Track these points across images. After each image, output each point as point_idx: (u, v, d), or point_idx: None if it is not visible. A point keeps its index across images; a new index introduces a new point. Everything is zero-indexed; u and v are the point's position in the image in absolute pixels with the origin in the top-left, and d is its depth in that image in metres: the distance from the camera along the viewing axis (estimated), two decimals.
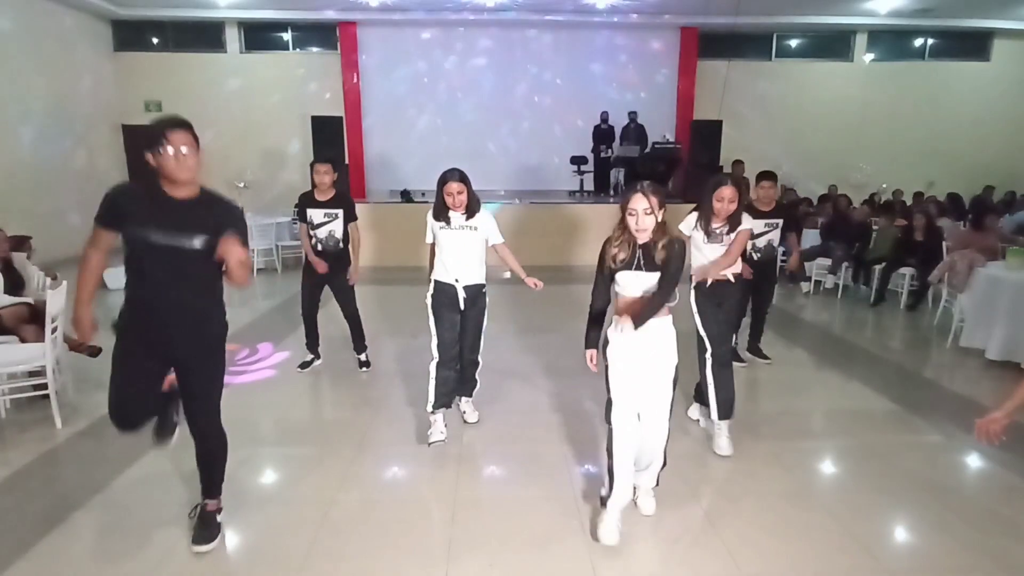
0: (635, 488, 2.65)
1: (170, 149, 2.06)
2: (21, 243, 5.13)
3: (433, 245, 3.38)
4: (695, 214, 3.36)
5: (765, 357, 4.70)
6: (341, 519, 2.64)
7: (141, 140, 2.16)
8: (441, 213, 3.25)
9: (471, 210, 3.25)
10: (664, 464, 2.65)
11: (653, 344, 2.46)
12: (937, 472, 3.08)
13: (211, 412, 2.38)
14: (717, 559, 2.37)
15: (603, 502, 2.51)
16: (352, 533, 2.56)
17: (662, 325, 2.48)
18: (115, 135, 10.87)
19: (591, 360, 2.53)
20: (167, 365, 2.33)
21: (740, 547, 2.43)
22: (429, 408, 3.27)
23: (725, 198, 3.20)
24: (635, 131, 10.53)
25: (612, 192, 10.34)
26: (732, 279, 3.32)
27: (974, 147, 11.82)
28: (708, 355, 3.27)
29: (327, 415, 3.81)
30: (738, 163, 9.87)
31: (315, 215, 4.15)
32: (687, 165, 9.85)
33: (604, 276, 2.51)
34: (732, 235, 3.30)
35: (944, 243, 6.18)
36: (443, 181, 3.20)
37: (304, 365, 4.47)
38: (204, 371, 2.33)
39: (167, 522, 2.58)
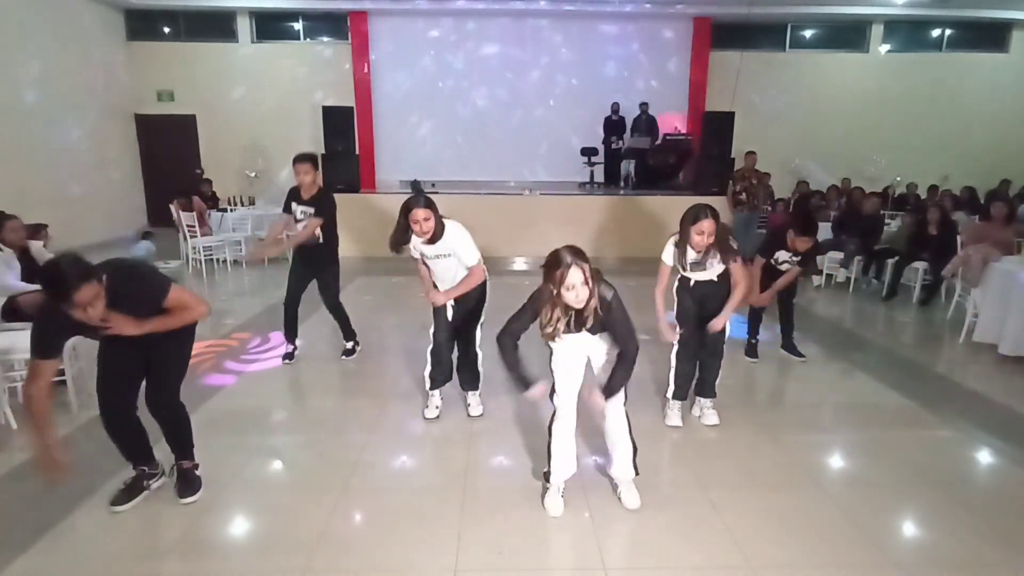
0: (615, 482, 2.74)
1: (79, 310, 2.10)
2: (37, 231, 5.18)
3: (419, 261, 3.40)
4: (672, 241, 3.21)
5: (800, 355, 4.58)
6: (351, 507, 2.67)
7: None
8: (402, 241, 3.23)
9: (435, 237, 3.16)
10: (635, 450, 2.66)
11: (593, 342, 2.54)
12: (947, 467, 3.06)
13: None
14: (724, 550, 2.38)
15: (546, 477, 2.65)
16: (362, 520, 2.59)
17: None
18: (128, 124, 10.97)
19: (539, 394, 2.51)
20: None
21: (747, 538, 2.44)
22: (427, 387, 3.52)
23: (705, 232, 3.04)
24: (646, 122, 10.47)
25: (622, 184, 10.29)
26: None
27: (991, 140, 11.64)
28: (676, 340, 3.35)
29: (336, 403, 3.86)
30: (750, 154, 9.78)
31: (297, 211, 4.24)
32: (698, 157, 9.79)
33: (525, 323, 2.44)
34: (716, 261, 3.19)
35: (958, 237, 6.11)
36: (408, 208, 3.09)
37: (288, 356, 4.42)
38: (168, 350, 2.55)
39: (182, 508, 2.64)
